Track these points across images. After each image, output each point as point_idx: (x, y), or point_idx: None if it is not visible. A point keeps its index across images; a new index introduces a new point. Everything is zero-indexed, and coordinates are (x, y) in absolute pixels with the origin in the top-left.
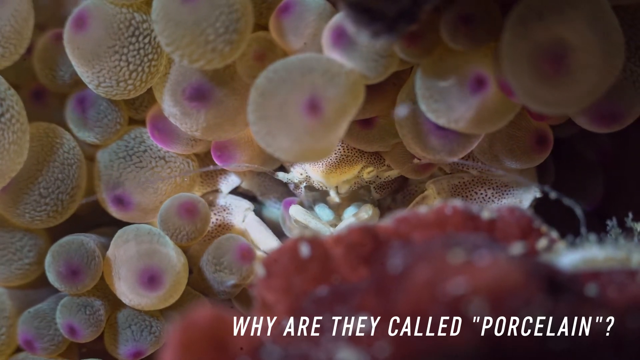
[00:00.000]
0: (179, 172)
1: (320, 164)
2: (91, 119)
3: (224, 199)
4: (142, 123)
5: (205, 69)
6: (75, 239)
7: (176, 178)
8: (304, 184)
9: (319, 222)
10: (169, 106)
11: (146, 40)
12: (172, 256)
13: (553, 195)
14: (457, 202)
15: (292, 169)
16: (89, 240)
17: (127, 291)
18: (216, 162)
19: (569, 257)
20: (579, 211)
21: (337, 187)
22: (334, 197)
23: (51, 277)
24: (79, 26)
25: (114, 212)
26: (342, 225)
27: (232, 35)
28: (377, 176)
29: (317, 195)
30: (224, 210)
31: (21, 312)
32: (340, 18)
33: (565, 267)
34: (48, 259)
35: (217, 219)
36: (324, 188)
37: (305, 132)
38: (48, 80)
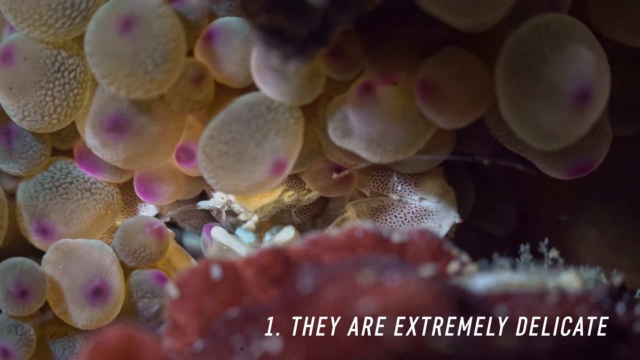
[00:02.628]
0: (104, 204)
1: None
2: (17, 150)
3: None
4: (67, 153)
5: (127, 100)
6: (26, 261)
7: (100, 210)
8: (225, 209)
9: (241, 244)
10: (89, 138)
11: (72, 76)
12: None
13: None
14: (368, 225)
15: (213, 194)
16: (36, 264)
17: (74, 308)
18: (140, 196)
19: (483, 280)
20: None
21: (256, 211)
22: (250, 225)
23: None
24: (6, 60)
25: (37, 241)
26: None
27: (169, 63)
28: (298, 199)
29: (239, 219)
30: None
31: None
32: None
33: (477, 290)
34: None
35: None
36: (244, 212)
37: (268, 184)
38: None
